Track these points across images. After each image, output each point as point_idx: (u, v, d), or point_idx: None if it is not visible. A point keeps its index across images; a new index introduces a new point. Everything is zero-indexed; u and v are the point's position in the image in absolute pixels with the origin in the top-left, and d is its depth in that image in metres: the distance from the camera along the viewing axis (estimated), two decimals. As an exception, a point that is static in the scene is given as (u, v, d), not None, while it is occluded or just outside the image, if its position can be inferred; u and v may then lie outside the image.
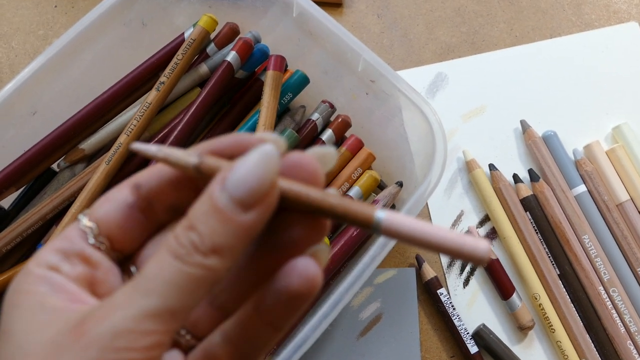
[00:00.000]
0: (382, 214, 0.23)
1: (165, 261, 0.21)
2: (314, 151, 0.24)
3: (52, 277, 0.24)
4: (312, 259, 0.23)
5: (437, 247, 0.23)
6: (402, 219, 0.23)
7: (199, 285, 0.21)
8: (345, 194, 0.51)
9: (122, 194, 0.25)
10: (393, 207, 0.51)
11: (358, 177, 0.52)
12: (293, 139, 0.51)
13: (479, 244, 0.22)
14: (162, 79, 0.52)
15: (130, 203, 0.25)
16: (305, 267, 0.22)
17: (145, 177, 0.25)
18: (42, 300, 0.23)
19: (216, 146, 0.24)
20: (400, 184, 0.51)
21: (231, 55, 0.52)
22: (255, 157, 0.21)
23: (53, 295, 0.23)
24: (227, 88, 0.54)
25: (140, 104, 0.52)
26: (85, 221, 0.25)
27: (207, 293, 0.22)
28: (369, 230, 0.23)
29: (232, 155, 0.23)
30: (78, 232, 0.25)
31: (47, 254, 0.24)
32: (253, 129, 0.52)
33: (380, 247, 0.45)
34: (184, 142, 0.51)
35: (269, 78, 0.52)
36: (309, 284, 0.22)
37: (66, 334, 0.21)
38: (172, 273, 0.21)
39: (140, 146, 0.24)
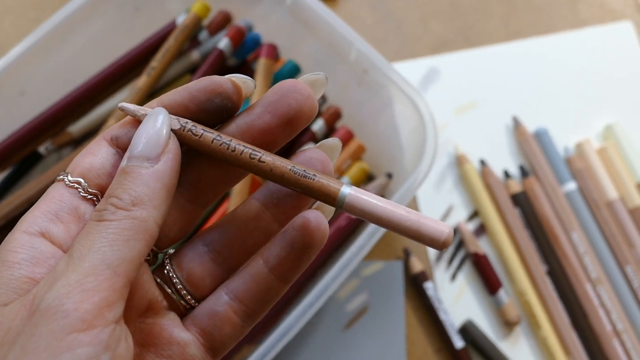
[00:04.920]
0: (347, 190, 0.23)
1: (91, 225, 0.23)
2: (306, 77, 0.26)
3: (38, 247, 0.23)
4: (318, 211, 0.25)
5: (396, 228, 0.23)
6: (366, 197, 0.23)
7: (130, 236, 0.22)
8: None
9: (100, 146, 0.25)
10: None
11: (347, 168, 0.52)
12: None
13: (439, 227, 0.23)
14: (153, 64, 0.51)
15: (114, 152, 0.25)
16: (316, 218, 0.24)
17: (119, 129, 0.26)
18: (17, 272, 0.23)
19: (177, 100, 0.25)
20: (389, 176, 0.51)
21: (223, 43, 0.52)
22: (146, 120, 0.24)
23: (30, 267, 0.23)
24: (219, 75, 0.53)
25: (130, 88, 0.51)
26: (70, 177, 0.25)
27: (145, 245, 0.23)
28: (332, 204, 0.24)
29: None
30: (66, 190, 0.24)
31: (37, 217, 0.24)
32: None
33: (367, 238, 0.44)
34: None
35: (261, 66, 0.52)
36: (320, 233, 0.24)
37: (20, 312, 0.21)
38: (99, 232, 0.22)
39: (126, 105, 0.25)
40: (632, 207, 0.55)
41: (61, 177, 0.25)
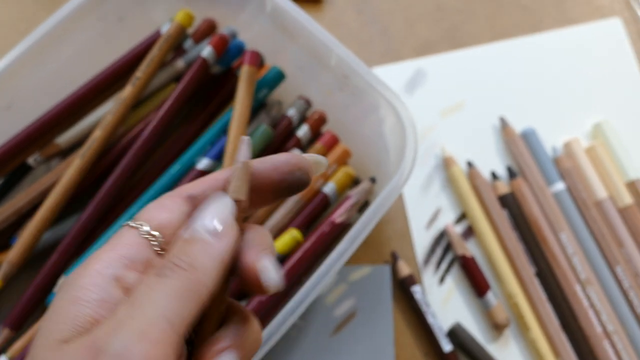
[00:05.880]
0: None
1: (151, 278, 0.24)
2: (311, 156, 0.29)
3: (110, 291, 0.24)
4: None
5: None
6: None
7: (186, 296, 0.23)
8: (319, 191, 0.51)
9: (175, 203, 0.27)
10: (367, 203, 0.51)
11: (333, 173, 0.52)
12: (267, 135, 0.51)
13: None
14: (138, 74, 0.52)
15: (187, 212, 0.27)
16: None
17: (198, 189, 0.27)
18: (84, 311, 0.24)
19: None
20: (373, 180, 0.50)
21: (206, 51, 0.52)
22: (217, 198, 0.26)
23: (97, 308, 0.24)
24: (203, 83, 0.53)
25: (116, 99, 0.52)
26: (144, 227, 0.26)
27: (198, 307, 0.23)
28: None
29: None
30: (141, 239, 0.26)
31: (112, 259, 0.25)
32: (227, 124, 0.52)
33: (349, 242, 0.44)
34: (158, 137, 0.51)
35: (244, 73, 0.52)
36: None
37: (82, 353, 0.22)
38: (159, 286, 0.23)
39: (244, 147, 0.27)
40: (622, 207, 0.54)
41: (133, 225, 0.26)
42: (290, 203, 0.51)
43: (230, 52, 0.54)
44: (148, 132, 0.51)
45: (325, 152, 0.53)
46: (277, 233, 0.50)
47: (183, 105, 0.52)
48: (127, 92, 0.51)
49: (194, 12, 0.54)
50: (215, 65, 0.54)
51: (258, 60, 0.53)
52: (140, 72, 0.52)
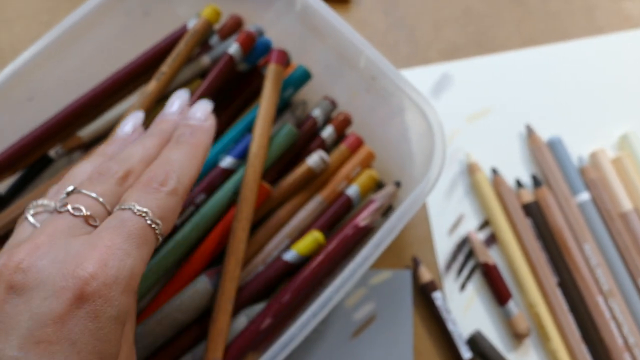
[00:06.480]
0: None
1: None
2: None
3: None
4: None
5: None
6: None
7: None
8: (342, 192, 0.51)
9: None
10: (390, 207, 0.50)
11: (357, 176, 0.52)
12: (292, 135, 0.51)
13: None
14: (163, 68, 0.51)
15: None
16: None
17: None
18: None
19: None
20: (397, 184, 0.50)
21: (233, 48, 0.52)
22: None
23: None
24: (228, 80, 0.53)
25: (140, 93, 0.51)
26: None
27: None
28: None
29: None
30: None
31: None
32: (251, 122, 0.51)
33: (373, 248, 0.44)
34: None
35: (270, 72, 0.51)
36: None
37: None
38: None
39: None
40: (647, 219, 0.54)
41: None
42: (313, 204, 0.50)
43: (256, 49, 0.54)
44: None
45: (349, 154, 0.52)
46: (300, 234, 0.50)
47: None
48: (151, 86, 0.51)
49: (221, 8, 0.54)
50: (241, 62, 0.53)
51: (285, 59, 0.52)
52: (166, 67, 0.51)
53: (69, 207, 0.31)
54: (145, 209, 0.31)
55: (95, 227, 0.31)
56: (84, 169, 0.36)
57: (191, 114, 0.39)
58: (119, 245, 0.29)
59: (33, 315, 0.26)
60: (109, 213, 0.32)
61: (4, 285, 0.27)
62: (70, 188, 0.33)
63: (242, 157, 0.51)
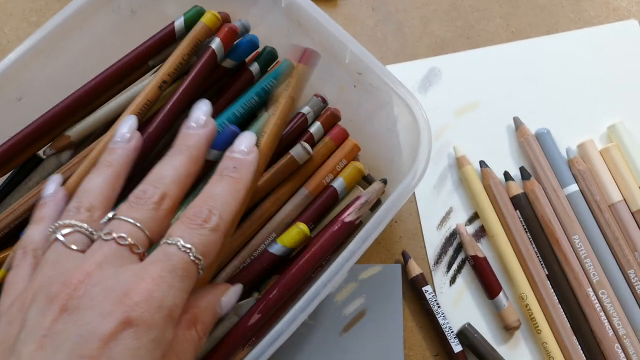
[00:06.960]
0: None
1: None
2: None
3: None
4: None
5: None
6: None
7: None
8: (329, 185, 0.51)
9: None
10: (378, 202, 0.50)
11: (343, 168, 0.52)
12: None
13: None
14: (164, 77, 0.51)
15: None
16: None
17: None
18: None
19: None
20: (384, 181, 0.50)
21: (215, 42, 0.51)
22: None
23: None
24: (214, 77, 0.53)
25: (128, 92, 0.51)
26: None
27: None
28: None
29: None
30: None
31: None
32: (233, 114, 0.51)
33: (360, 242, 0.44)
34: (166, 130, 0.50)
35: (298, 72, 0.49)
36: None
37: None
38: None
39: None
40: (636, 210, 0.54)
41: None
42: (299, 197, 0.50)
43: (242, 46, 0.54)
44: (154, 126, 0.50)
45: (334, 147, 0.52)
46: (286, 227, 0.50)
47: (192, 97, 0.52)
48: (151, 93, 0.50)
49: (207, 6, 0.54)
50: (224, 57, 0.53)
51: (312, 60, 0.50)
52: (166, 75, 0.51)
53: (114, 234, 0.33)
54: (189, 245, 0.33)
55: (138, 254, 0.33)
56: (95, 182, 0.38)
57: (235, 146, 0.40)
58: (164, 279, 0.31)
59: (80, 333, 0.29)
60: (149, 238, 0.34)
61: (59, 307, 0.30)
62: (111, 214, 0.35)
63: (224, 148, 0.50)
